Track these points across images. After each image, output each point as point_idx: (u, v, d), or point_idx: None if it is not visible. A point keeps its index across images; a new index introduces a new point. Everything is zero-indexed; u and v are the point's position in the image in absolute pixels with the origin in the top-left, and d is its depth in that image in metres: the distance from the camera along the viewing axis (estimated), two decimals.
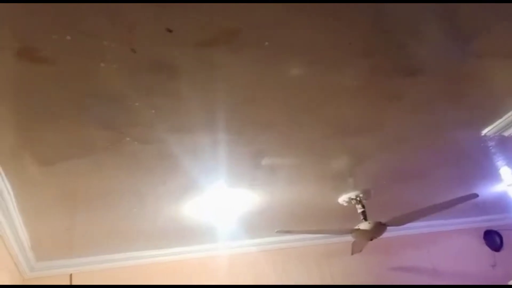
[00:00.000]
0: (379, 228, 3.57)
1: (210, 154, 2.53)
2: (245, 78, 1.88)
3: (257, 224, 3.94)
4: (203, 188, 2.98)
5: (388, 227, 3.61)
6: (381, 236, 3.67)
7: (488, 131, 2.84)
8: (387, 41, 1.78)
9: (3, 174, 2.34)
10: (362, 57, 1.85)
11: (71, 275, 3.90)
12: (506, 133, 2.82)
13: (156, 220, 3.37)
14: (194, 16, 1.49)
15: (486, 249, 5.19)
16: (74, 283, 3.89)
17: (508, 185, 4.19)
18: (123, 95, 1.86)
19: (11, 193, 2.54)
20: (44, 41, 1.49)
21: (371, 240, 3.70)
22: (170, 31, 1.54)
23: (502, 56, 2.01)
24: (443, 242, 4.98)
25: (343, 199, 3.70)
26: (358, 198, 3.64)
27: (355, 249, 4.15)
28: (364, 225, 3.56)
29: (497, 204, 4.79)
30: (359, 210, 3.66)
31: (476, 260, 5.02)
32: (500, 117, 2.70)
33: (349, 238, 3.78)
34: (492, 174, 3.87)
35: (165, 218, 3.37)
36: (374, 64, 1.91)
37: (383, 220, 3.53)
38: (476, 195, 3.46)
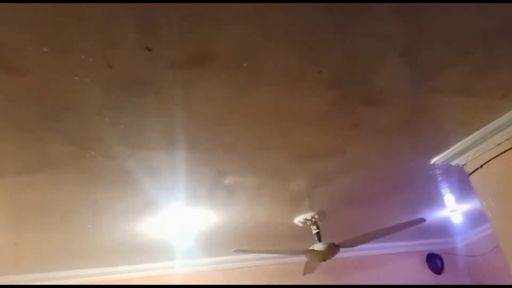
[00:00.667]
0: (332, 249, 3.67)
1: (171, 172, 2.53)
2: (217, 100, 1.92)
3: (214, 243, 3.94)
4: (162, 205, 2.96)
5: (340, 248, 3.72)
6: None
7: (437, 160, 3.03)
8: (354, 72, 1.88)
9: None
10: (329, 86, 1.94)
11: None
12: (453, 163, 3.02)
13: (112, 237, 3.30)
14: (174, 37, 1.52)
15: (428, 271, 5.44)
16: None
17: (451, 211, 4.45)
18: (93, 109, 1.84)
19: None
20: (19, 52, 1.47)
21: (324, 261, 3.79)
22: (149, 49, 1.56)
23: (454, 93, 2.18)
24: (390, 264, 5.18)
25: (299, 219, 3.78)
26: (313, 219, 3.74)
27: (308, 269, 4.23)
28: (318, 246, 3.65)
29: (440, 229, 5.06)
30: (314, 231, 3.75)
31: (419, 282, 5.26)
32: (448, 148, 2.90)
33: (303, 258, 3.85)
34: (437, 200, 4.11)
35: (122, 235, 3.30)
36: (340, 93, 2.01)
37: (336, 242, 3.64)
38: (423, 220, 3.66)
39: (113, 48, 1.52)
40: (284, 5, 1.44)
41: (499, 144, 2.72)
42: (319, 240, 3.71)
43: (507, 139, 2.68)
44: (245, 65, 1.69)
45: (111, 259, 3.83)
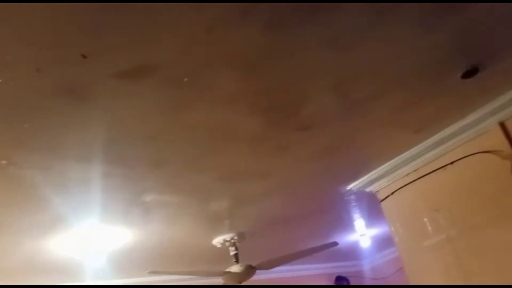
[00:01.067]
0: (249, 271, 3.68)
1: (87, 187, 2.39)
2: (152, 115, 1.87)
3: (127, 263, 3.75)
4: (74, 221, 2.77)
5: (257, 270, 3.75)
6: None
7: (353, 186, 3.20)
8: (287, 98, 1.94)
9: None
10: (264, 109, 1.98)
11: None
12: (367, 189, 3.21)
13: (14, 254, 2.99)
14: (113, 46, 1.46)
15: None
16: None
17: (361, 235, 4.71)
18: (12, 114, 1.68)
19: None
20: None
21: (240, 283, 3.78)
22: (84, 57, 1.48)
23: (376, 124, 2.34)
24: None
25: (217, 240, 3.75)
26: (232, 241, 3.73)
27: None
28: (235, 268, 3.64)
29: (349, 252, 5.32)
30: (232, 253, 3.74)
31: None
32: (364, 175, 3.08)
33: (220, 280, 3.81)
34: (348, 225, 4.32)
35: (26, 253, 3.01)
36: (274, 117, 2.06)
37: (253, 263, 3.66)
38: (336, 244, 3.82)
39: (43, 52, 1.41)
40: (232, 25, 1.45)
41: (408, 174, 2.96)
42: (237, 261, 3.70)
43: (415, 170, 2.92)
44: (185, 79, 1.66)
45: (14, 278, 3.47)
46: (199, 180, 2.59)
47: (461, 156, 2.65)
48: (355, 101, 2.07)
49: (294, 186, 2.96)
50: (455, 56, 1.90)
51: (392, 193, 3.06)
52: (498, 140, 2.48)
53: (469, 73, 2.04)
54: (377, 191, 3.18)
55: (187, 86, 1.71)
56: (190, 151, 2.21)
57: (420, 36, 1.70)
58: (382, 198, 3.14)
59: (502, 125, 2.49)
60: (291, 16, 1.46)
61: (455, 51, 1.87)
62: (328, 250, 4.65)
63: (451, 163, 2.71)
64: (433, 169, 2.80)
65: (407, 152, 2.85)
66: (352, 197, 3.47)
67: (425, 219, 2.84)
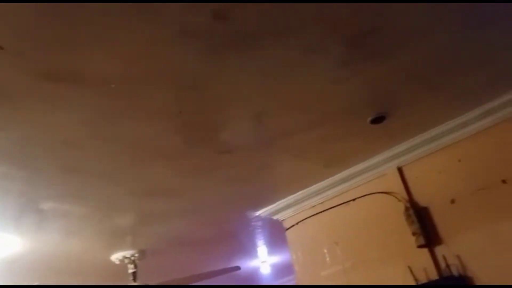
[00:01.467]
0: None
1: None
2: (73, 120, 1.78)
3: (14, 274, 3.42)
4: None
5: None
6: None
7: (262, 213, 3.28)
8: (209, 121, 1.98)
9: None
10: (188, 129, 1.99)
11: None
12: (274, 217, 3.31)
13: None
14: (39, 43, 1.38)
15: None
16: None
17: (262, 262, 4.79)
18: None
19: None
20: None
21: None
22: (1, 48, 1.38)
23: (292, 155, 2.46)
24: None
25: (116, 256, 3.58)
26: (132, 258, 3.59)
27: None
28: None
29: (249, 278, 5.37)
30: (130, 270, 3.59)
31: None
32: (274, 203, 3.18)
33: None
34: (252, 251, 4.38)
35: None
36: (197, 137, 2.07)
37: (151, 283, 3.55)
38: (238, 268, 3.86)
39: None
40: (170, 45, 1.46)
41: (314, 206, 3.10)
42: (134, 280, 3.56)
43: (321, 203, 3.07)
44: (113, 85, 1.61)
45: None
46: (109, 192, 2.49)
47: (362, 194, 2.85)
48: (274, 131, 2.16)
49: (204, 208, 2.96)
50: (367, 103, 2.10)
51: (297, 223, 3.18)
52: (395, 183, 2.72)
53: (377, 120, 2.25)
54: (284, 219, 3.28)
55: (114, 97, 1.67)
56: (107, 162, 2.13)
57: (340, 81, 1.85)
58: (288, 227, 3.25)
59: (400, 170, 2.74)
60: (226, 45, 1.51)
61: (366, 99, 2.06)
62: (229, 275, 4.68)
63: (353, 199, 2.90)
64: (337, 204, 2.98)
65: (316, 185, 3.01)
66: (259, 223, 3.54)
67: (325, 250, 2.99)
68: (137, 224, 3.07)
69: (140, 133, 1.95)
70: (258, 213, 3.30)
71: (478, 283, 2.28)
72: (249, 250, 4.33)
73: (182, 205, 2.83)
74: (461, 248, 2.38)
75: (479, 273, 2.30)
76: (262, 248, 4.39)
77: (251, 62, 1.63)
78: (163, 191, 2.57)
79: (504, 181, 2.33)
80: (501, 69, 2.04)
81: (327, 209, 3.04)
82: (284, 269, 4.88)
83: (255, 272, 5.10)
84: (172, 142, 2.07)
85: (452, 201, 2.49)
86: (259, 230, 3.76)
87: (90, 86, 1.59)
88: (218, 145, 2.17)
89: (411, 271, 2.49)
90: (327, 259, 2.97)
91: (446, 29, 1.69)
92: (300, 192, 3.07)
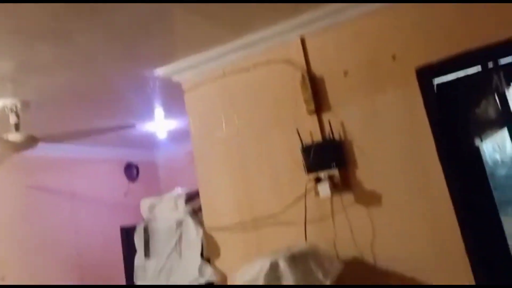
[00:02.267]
0: (30, 141, 3.37)
1: None
2: None
3: None
4: None
5: (40, 143, 3.46)
6: (24, 154, 3.49)
7: (161, 72, 3.14)
8: None
9: None
10: None
11: None
12: (173, 78, 3.20)
13: None
14: None
15: (124, 179, 5.73)
16: None
17: (158, 126, 4.73)
18: None
19: None
20: None
21: (18, 152, 3.45)
22: None
23: (194, 12, 2.28)
24: (86, 169, 5.15)
25: None
26: (14, 108, 3.32)
27: None
28: (14, 136, 3.29)
29: (144, 141, 5.36)
30: (12, 121, 3.34)
31: (113, 188, 5.49)
32: (173, 62, 3.04)
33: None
34: (148, 112, 4.28)
35: None
36: None
37: (37, 135, 3.36)
38: (134, 125, 3.77)
39: None
40: None
41: (214, 71, 3.05)
42: (17, 130, 3.34)
43: (222, 68, 3.02)
44: None
45: None
46: None
47: (263, 62, 2.85)
48: None
49: (99, 61, 2.73)
50: None
51: (197, 87, 3.14)
52: (296, 52, 2.76)
53: None
54: (183, 83, 3.20)
55: None
56: None
57: None
58: (187, 90, 3.19)
59: (302, 40, 2.76)
60: None
61: None
62: (121, 135, 4.61)
63: (254, 66, 2.90)
64: (238, 70, 2.96)
65: (217, 48, 2.92)
66: (157, 83, 3.40)
67: (222, 115, 3.02)
68: (17, 71, 2.77)
69: None
70: (156, 71, 3.15)
71: (355, 147, 2.53)
72: (145, 112, 4.21)
73: (71, 55, 2.58)
74: (346, 116, 2.57)
75: (357, 139, 2.53)
76: (159, 111, 4.31)
77: None
78: (47, 33, 2.28)
79: (393, 57, 2.48)
80: None
81: (227, 75, 3.01)
82: (180, 135, 4.92)
83: (150, 135, 5.08)
84: None
85: (345, 73, 2.60)
86: (157, 91, 3.63)
87: None
88: None
89: (298, 133, 2.66)
90: (223, 123, 3.02)
91: None
92: (200, 54, 2.97)
